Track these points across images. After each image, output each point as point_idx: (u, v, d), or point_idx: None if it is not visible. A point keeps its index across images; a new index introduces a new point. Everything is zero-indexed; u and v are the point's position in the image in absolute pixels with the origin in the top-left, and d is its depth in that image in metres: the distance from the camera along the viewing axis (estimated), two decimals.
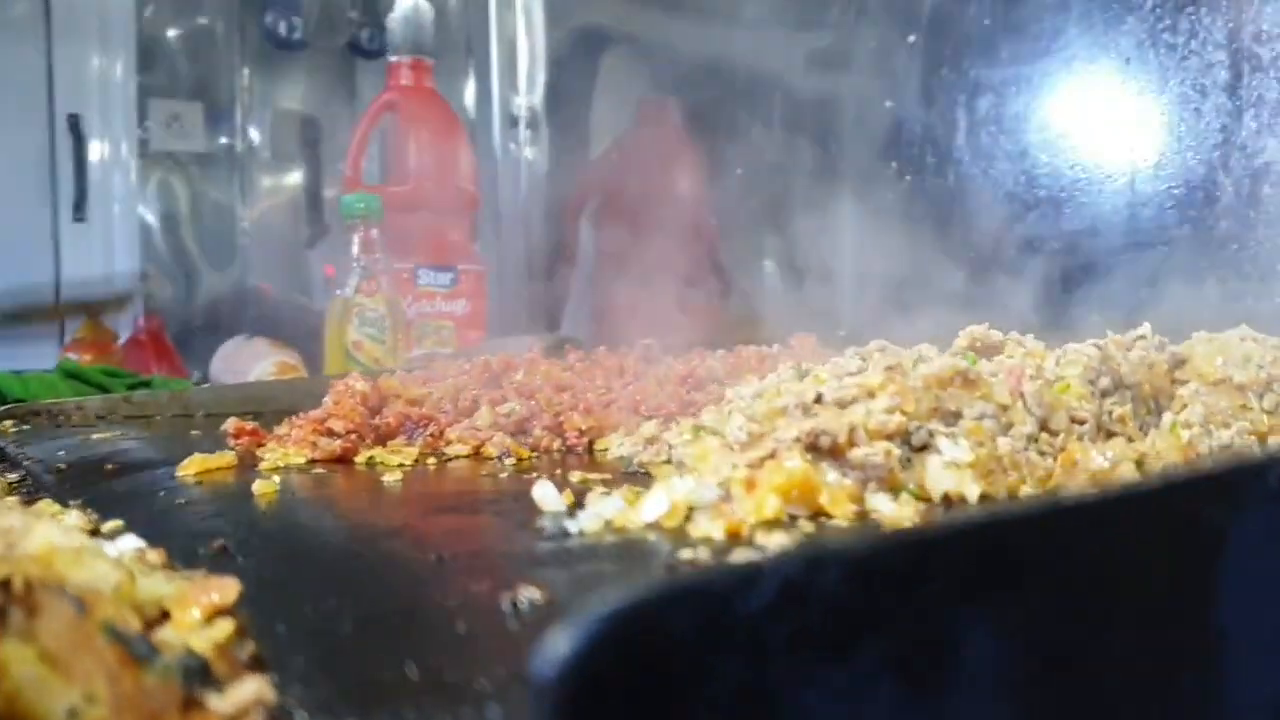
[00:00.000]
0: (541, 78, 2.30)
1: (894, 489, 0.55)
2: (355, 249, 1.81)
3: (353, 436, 0.88)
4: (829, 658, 0.24)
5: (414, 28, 2.05)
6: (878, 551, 0.26)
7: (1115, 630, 0.31)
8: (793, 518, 0.51)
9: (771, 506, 0.50)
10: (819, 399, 0.59)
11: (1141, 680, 0.31)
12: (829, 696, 0.23)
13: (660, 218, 2.32)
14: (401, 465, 0.81)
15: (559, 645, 0.21)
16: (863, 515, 0.52)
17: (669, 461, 0.69)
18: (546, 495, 0.56)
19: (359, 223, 1.80)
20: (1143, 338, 0.70)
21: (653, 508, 0.51)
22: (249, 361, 1.96)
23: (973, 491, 0.56)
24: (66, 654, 0.28)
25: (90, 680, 0.28)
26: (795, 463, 0.53)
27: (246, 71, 2.52)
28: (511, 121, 2.26)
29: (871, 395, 0.59)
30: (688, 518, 0.51)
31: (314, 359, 1.92)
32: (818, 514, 0.52)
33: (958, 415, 0.60)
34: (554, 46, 2.31)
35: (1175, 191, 1.30)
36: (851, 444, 0.56)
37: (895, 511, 0.52)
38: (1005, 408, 0.61)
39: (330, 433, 0.87)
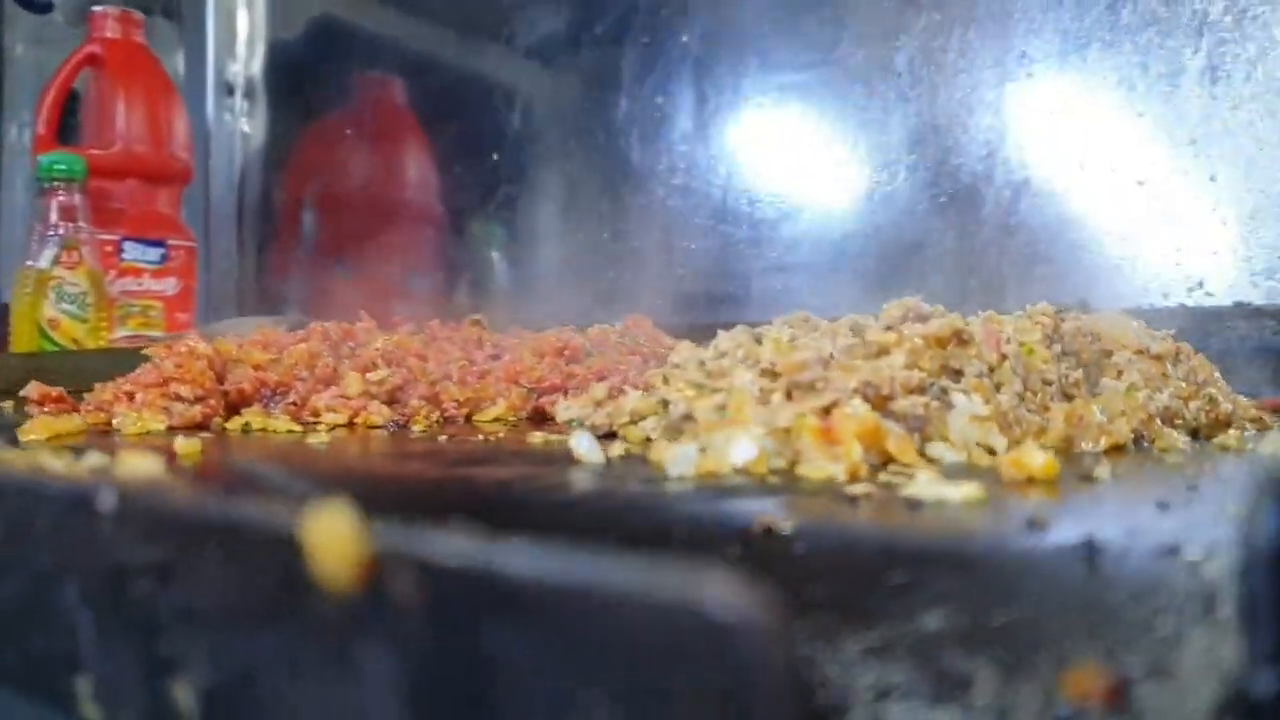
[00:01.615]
0: (262, 46, 2.15)
1: (928, 439, 0.55)
2: (53, 215, 1.62)
3: (211, 402, 0.79)
4: None
5: None
6: None
7: None
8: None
9: (857, 453, 0.49)
10: (830, 357, 0.58)
11: None
12: None
13: (381, 199, 2.23)
14: (291, 432, 0.73)
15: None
16: (932, 461, 0.51)
17: (633, 422, 0.65)
18: (587, 448, 0.52)
19: (58, 186, 1.61)
20: (1059, 313, 0.74)
21: (741, 453, 0.48)
22: None
23: (999, 443, 0.56)
24: None
25: None
26: (864, 411, 0.51)
27: None
28: (227, 90, 2.10)
29: (886, 352, 0.59)
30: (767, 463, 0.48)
31: None
32: (887, 461, 0.50)
33: (959, 373, 0.61)
34: (276, 12, 2.17)
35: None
36: (890, 396, 0.55)
37: (961, 458, 0.51)
38: (993, 368, 0.62)
39: (178, 398, 0.77)
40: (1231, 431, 0.68)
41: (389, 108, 2.30)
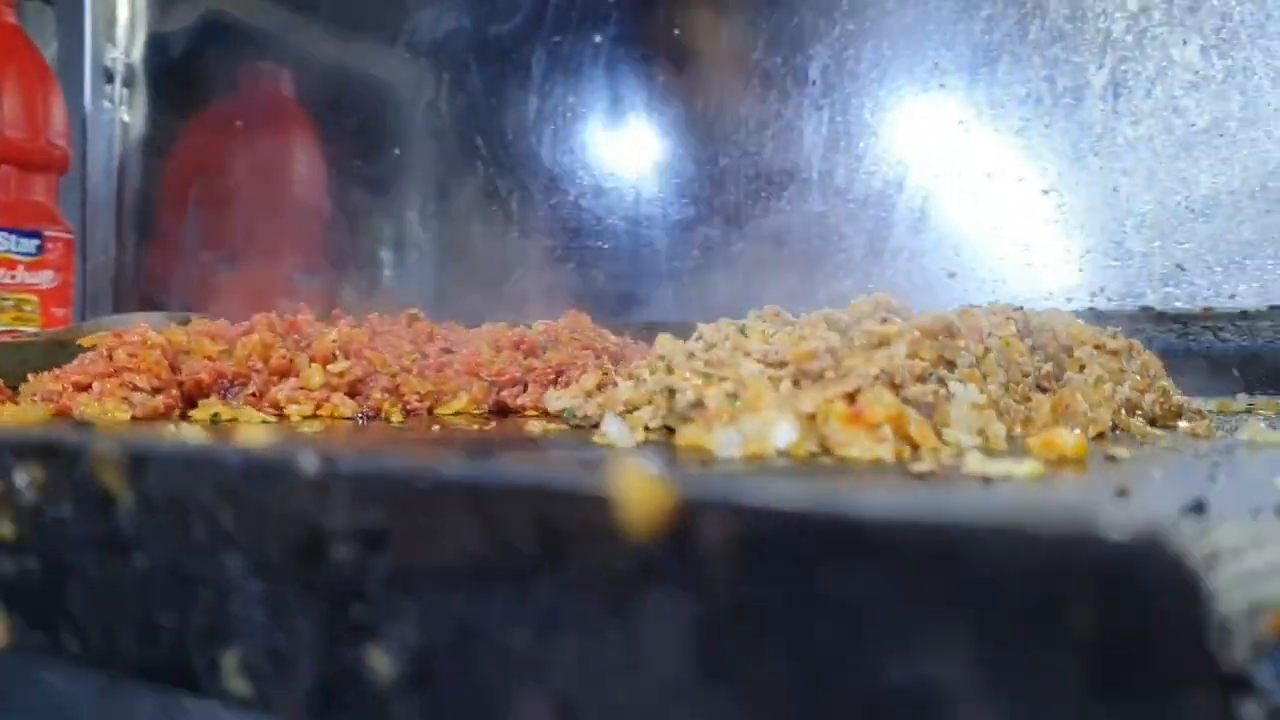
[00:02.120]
0: (143, 32, 2.08)
1: (937, 426, 0.56)
2: None
3: (173, 393, 0.76)
4: None
5: None
6: None
7: None
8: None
9: (885, 436, 0.50)
10: (835, 348, 0.59)
11: None
12: None
13: (268, 194, 2.18)
14: (266, 421, 0.71)
15: None
16: (949, 444, 0.53)
17: (628, 412, 0.66)
18: (619, 433, 0.53)
19: None
20: (1018, 309, 0.77)
21: (784, 436, 0.49)
22: None
23: (999, 430, 0.58)
24: None
25: None
26: (889, 397, 0.53)
27: None
28: (106, 77, 2.03)
29: (887, 343, 0.60)
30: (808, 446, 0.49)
31: None
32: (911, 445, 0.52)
33: (952, 364, 0.63)
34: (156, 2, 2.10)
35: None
36: (902, 385, 0.57)
37: (985, 442, 0.53)
38: (979, 359, 0.64)
39: (135, 389, 0.75)
40: (1184, 423, 0.72)
41: (276, 99, 2.24)
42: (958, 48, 1.38)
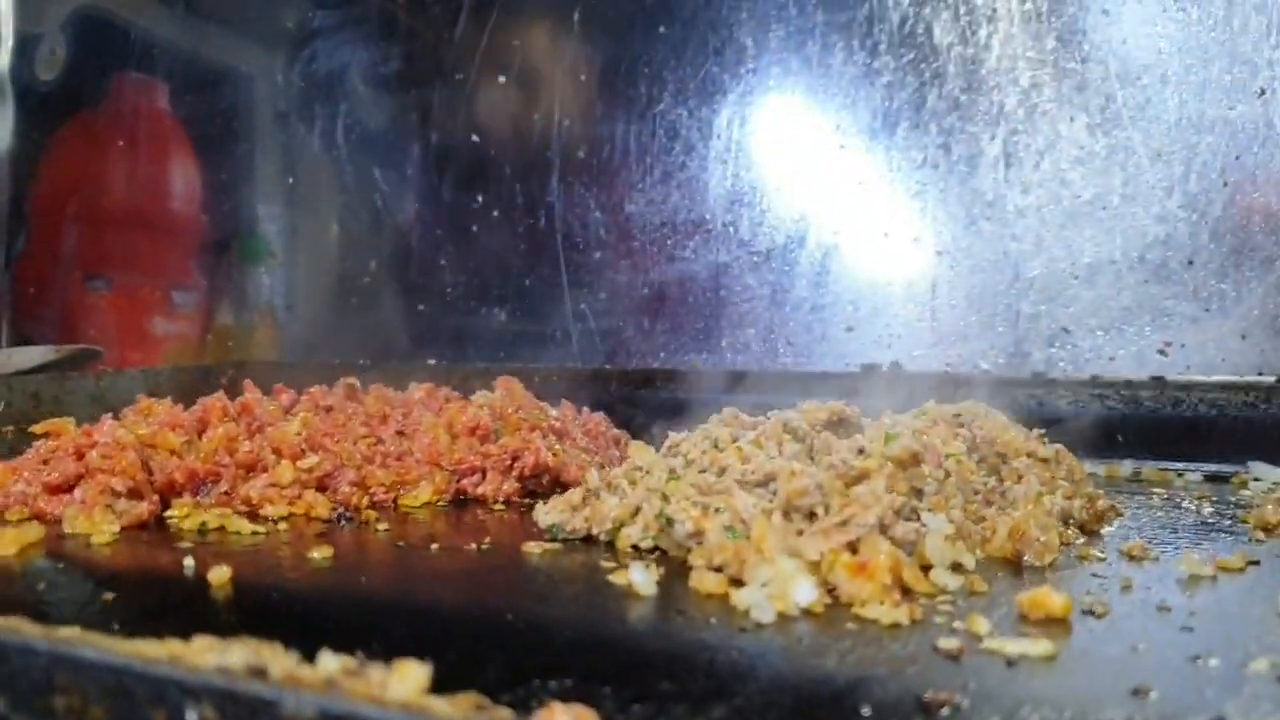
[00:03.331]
0: (10, 39, 2.01)
1: (920, 563, 0.62)
2: None
3: (154, 499, 0.77)
4: None
5: None
6: None
7: None
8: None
9: (887, 582, 0.55)
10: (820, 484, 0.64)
11: None
12: None
13: (142, 210, 2.13)
14: (255, 534, 0.72)
15: None
16: (943, 589, 0.58)
17: (616, 529, 0.70)
18: (643, 580, 0.57)
19: None
20: (956, 417, 0.83)
21: (804, 595, 0.53)
22: None
23: (969, 560, 0.64)
24: None
25: None
26: (886, 546, 0.58)
27: None
28: None
29: (866, 476, 0.65)
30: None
31: None
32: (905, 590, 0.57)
33: (920, 492, 0.68)
34: (29, 2, 2.03)
35: None
36: (888, 524, 0.62)
37: (962, 583, 0.59)
38: (941, 484, 0.70)
39: (115, 493, 0.75)
40: (1108, 527, 0.79)
41: (151, 113, 2.19)
42: (858, 111, 1.44)
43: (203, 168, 2.16)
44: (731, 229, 1.52)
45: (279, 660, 0.39)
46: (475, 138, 1.71)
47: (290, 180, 2.03)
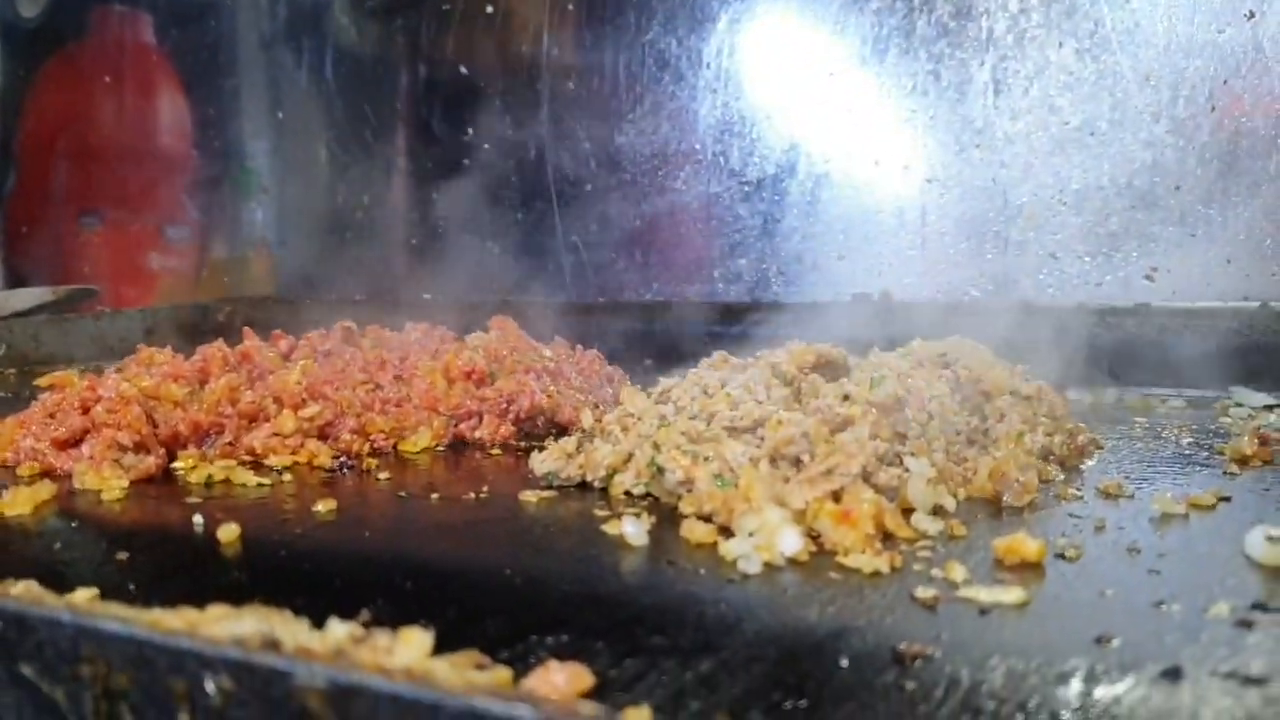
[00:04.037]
0: None
1: (902, 506, 0.64)
2: None
3: (160, 452, 0.79)
4: None
5: None
6: None
7: None
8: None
9: (870, 530, 0.58)
10: (806, 432, 0.66)
11: None
12: None
13: (131, 145, 2.13)
14: (260, 485, 0.75)
15: None
16: (924, 534, 0.60)
17: (609, 476, 0.72)
18: (634, 532, 0.59)
19: None
20: (943, 356, 0.85)
21: (789, 545, 0.56)
22: None
23: (950, 503, 0.66)
24: None
25: None
26: (869, 494, 0.60)
27: None
28: None
29: (851, 422, 0.67)
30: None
31: None
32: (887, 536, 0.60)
33: (904, 436, 0.70)
34: None
35: None
36: (871, 471, 0.64)
37: (942, 528, 0.61)
38: (924, 426, 0.72)
39: (120, 447, 0.77)
40: (1089, 461, 0.81)
41: (136, 46, 2.18)
42: (848, 38, 1.44)
43: (190, 101, 2.16)
44: (722, 159, 1.53)
45: (289, 628, 0.41)
46: (463, 69, 1.70)
47: (279, 114, 2.02)
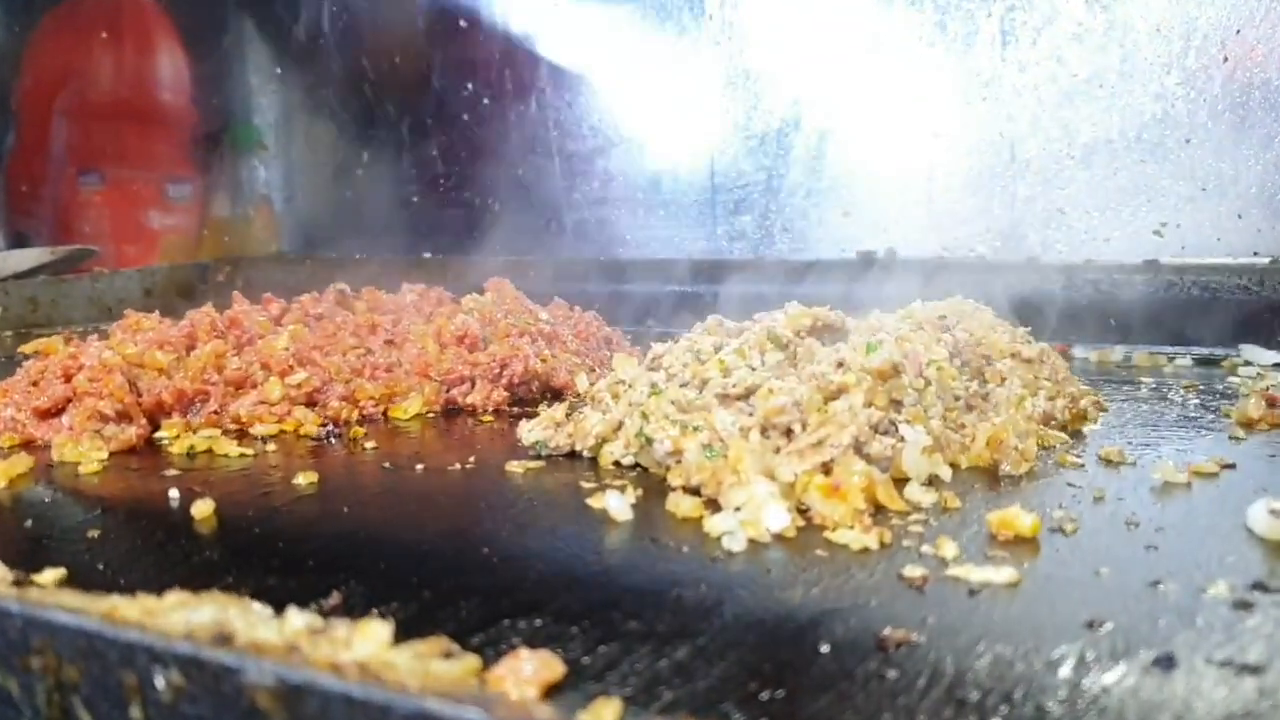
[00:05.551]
0: None
1: (896, 475, 0.63)
2: None
3: (143, 422, 0.78)
4: None
5: None
6: None
7: None
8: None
9: (860, 504, 0.56)
10: (798, 400, 0.65)
11: None
12: None
13: (130, 102, 2.11)
14: (243, 456, 0.73)
15: None
16: (917, 506, 0.59)
17: (598, 446, 0.70)
18: (618, 507, 0.58)
19: None
20: (941, 319, 0.83)
21: (775, 520, 0.54)
22: None
23: (945, 473, 0.65)
24: None
25: None
26: (860, 465, 0.58)
27: None
28: None
29: (845, 390, 0.66)
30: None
31: None
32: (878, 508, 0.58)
33: (899, 403, 0.69)
34: None
35: None
36: (864, 441, 0.62)
37: (936, 500, 0.60)
38: (921, 393, 0.70)
39: (103, 417, 0.76)
40: (1090, 425, 0.79)
41: (130, 3, 2.15)
42: None
43: (190, 57, 2.13)
44: (726, 113, 1.50)
45: (247, 618, 0.40)
46: (463, 23, 1.67)
47: (278, 70, 1.99)
